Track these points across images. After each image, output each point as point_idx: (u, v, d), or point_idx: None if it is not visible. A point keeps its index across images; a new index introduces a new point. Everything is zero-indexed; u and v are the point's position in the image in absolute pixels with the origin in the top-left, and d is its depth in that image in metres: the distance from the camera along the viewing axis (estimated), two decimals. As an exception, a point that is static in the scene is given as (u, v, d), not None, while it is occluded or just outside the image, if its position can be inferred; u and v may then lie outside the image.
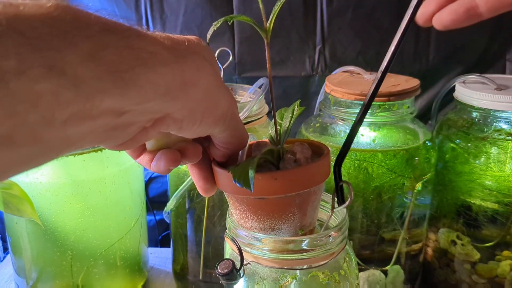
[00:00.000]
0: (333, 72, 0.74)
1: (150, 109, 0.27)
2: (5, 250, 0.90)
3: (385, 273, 0.66)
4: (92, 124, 0.24)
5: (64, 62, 0.21)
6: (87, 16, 0.23)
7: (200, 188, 0.40)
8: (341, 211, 0.45)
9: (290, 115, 0.46)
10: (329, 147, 0.43)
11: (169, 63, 0.27)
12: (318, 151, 0.44)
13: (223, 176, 0.39)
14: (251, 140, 0.43)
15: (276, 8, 0.39)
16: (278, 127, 0.44)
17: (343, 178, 0.59)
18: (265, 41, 0.41)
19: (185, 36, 0.31)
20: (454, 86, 0.70)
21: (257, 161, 0.36)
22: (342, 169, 0.61)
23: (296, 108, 0.46)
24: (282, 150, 0.42)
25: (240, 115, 0.59)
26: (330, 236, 0.42)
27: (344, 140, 0.43)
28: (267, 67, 0.42)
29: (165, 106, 0.27)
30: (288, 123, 0.44)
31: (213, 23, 0.38)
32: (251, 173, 0.35)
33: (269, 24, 0.40)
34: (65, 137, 0.23)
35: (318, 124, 0.67)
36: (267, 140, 0.45)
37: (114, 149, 0.30)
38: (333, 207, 0.42)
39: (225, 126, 0.34)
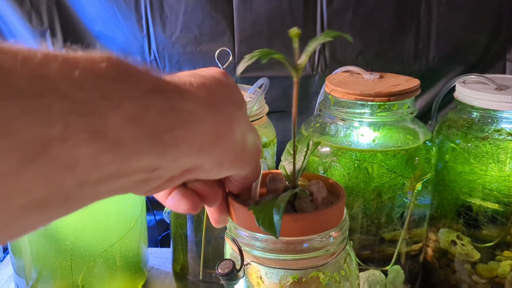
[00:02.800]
0: (333, 72, 0.73)
1: (183, 164, 0.27)
2: (5, 250, 0.90)
3: (385, 273, 0.66)
4: (124, 180, 0.24)
5: (106, 126, 0.21)
6: (136, 74, 0.23)
7: (214, 220, 0.40)
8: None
9: (305, 149, 0.45)
10: (341, 187, 0.43)
11: (206, 120, 0.27)
12: (331, 189, 0.45)
13: (242, 213, 0.39)
14: (263, 169, 0.43)
15: (311, 49, 0.38)
16: (291, 157, 0.44)
17: (343, 178, 0.60)
18: (294, 79, 0.39)
19: (213, 75, 0.30)
20: (454, 86, 0.70)
21: (284, 207, 0.36)
22: (342, 169, 0.62)
23: (311, 143, 0.46)
24: (300, 191, 0.42)
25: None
26: (330, 236, 0.42)
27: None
28: (293, 104, 0.40)
29: (198, 160, 0.28)
30: (303, 158, 0.44)
31: (246, 57, 0.36)
32: (277, 219, 0.34)
33: (302, 62, 0.38)
34: (96, 194, 0.23)
35: (318, 124, 0.67)
36: (279, 171, 0.45)
37: (138, 194, 0.30)
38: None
39: (248, 166, 0.34)
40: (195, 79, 0.28)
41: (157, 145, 0.23)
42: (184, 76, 0.28)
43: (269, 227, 0.34)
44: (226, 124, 0.29)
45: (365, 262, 0.66)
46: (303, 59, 0.38)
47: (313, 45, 0.38)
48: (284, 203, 0.36)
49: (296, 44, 0.37)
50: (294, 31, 0.37)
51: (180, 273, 0.74)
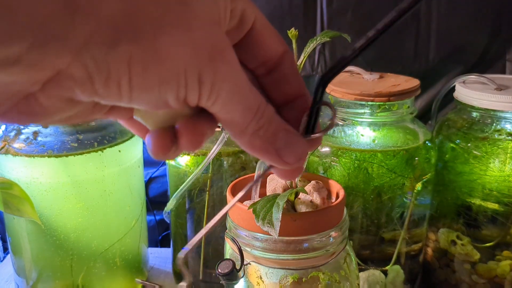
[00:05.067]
0: (333, 72, 0.73)
1: (22, 62, 0.17)
2: (5, 250, 0.90)
3: (385, 273, 0.66)
4: None
5: None
6: None
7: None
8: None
9: None
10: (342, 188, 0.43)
11: None
12: (330, 189, 0.45)
13: (242, 212, 0.39)
14: (263, 168, 0.43)
15: (309, 49, 0.39)
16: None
17: (343, 178, 0.59)
18: None
19: None
20: (454, 86, 0.70)
21: (283, 205, 0.36)
22: (342, 169, 0.62)
23: None
24: (300, 190, 0.42)
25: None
26: (330, 236, 0.42)
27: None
28: None
29: (46, 56, 0.17)
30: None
31: None
32: (277, 217, 0.34)
33: (300, 63, 0.39)
34: None
35: (318, 124, 0.67)
36: None
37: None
38: (303, 133, 0.27)
39: (204, 91, 0.20)
40: None
41: None
42: None
43: (268, 225, 0.35)
44: None
45: (365, 262, 0.66)
46: (301, 59, 0.39)
47: (311, 45, 0.39)
48: (284, 201, 0.36)
49: (294, 45, 0.38)
50: (292, 32, 0.37)
51: (180, 273, 0.74)
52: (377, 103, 0.61)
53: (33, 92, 0.19)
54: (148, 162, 0.93)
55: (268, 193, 0.45)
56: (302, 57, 0.40)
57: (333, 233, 0.42)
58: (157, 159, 0.24)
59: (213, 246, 0.67)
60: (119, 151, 0.64)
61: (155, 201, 0.98)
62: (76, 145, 0.61)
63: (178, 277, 0.75)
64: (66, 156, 0.60)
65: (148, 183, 0.97)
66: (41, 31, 0.16)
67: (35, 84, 0.18)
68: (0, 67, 0.17)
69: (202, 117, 0.23)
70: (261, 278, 0.42)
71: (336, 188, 0.46)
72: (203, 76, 0.20)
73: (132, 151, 0.68)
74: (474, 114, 0.67)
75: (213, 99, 0.21)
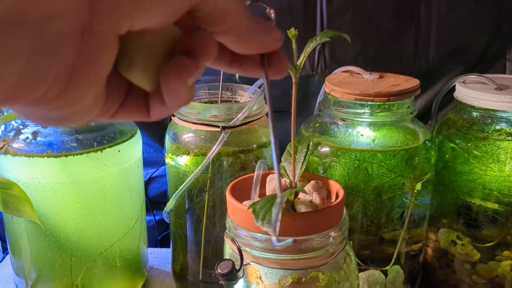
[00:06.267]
0: (333, 72, 0.73)
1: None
2: (4, 250, 0.90)
3: (385, 273, 0.66)
4: None
5: None
6: None
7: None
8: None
9: (305, 150, 0.45)
10: (342, 188, 0.43)
11: None
12: (330, 189, 0.45)
13: (241, 212, 0.39)
14: (263, 170, 0.44)
15: (309, 49, 0.39)
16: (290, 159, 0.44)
17: (342, 178, 0.60)
18: (293, 80, 0.39)
19: None
20: (454, 86, 0.70)
21: (282, 206, 0.36)
22: (342, 169, 0.62)
23: (311, 143, 0.46)
24: (300, 190, 0.42)
25: (240, 115, 0.59)
26: (329, 236, 0.42)
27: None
28: (292, 104, 0.40)
29: None
30: (303, 159, 0.44)
31: None
32: (275, 216, 0.34)
33: (300, 63, 0.39)
34: None
35: (318, 124, 0.67)
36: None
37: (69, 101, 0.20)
38: None
39: None
40: None
41: None
42: None
43: (268, 225, 0.35)
44: None
45: (365, 262, 0.66)
46: (301, 60, 0.39)
47: (311, 46, 0.39)
48: (283, 201, 0.36)
49: (294, 45, 0.38)
50: (292, 32, 0.37)
51: (180, 273, 0.74)
52: (377, 103, 0.61)
53: (87, 24, 0.19)
54: (147, 162, 0.93)
55: (268, 193, 0.45)
56: (302, 57, 0.40)
57: (332, 233, 0.42)
58: (179, 93, 0.23)
59: (213, 246, 0.67)
60: (119, 151, 0.64)
61: (154, 201, 0.98)
62: (75, 145, 0.61)
63: (178, 277, 0.75)
64: (66, 156, 0.60)
65: (147, 183, 0.97)
66: None
67: (83, 7, 0.19)
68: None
69: (197, 32, 0.24)
70: (260, 278, 0.42)
71: (336, 188, 0.46)
72: None
73: (131, 151, 0.68)
74: (474, 114, 0.67)
75: None
